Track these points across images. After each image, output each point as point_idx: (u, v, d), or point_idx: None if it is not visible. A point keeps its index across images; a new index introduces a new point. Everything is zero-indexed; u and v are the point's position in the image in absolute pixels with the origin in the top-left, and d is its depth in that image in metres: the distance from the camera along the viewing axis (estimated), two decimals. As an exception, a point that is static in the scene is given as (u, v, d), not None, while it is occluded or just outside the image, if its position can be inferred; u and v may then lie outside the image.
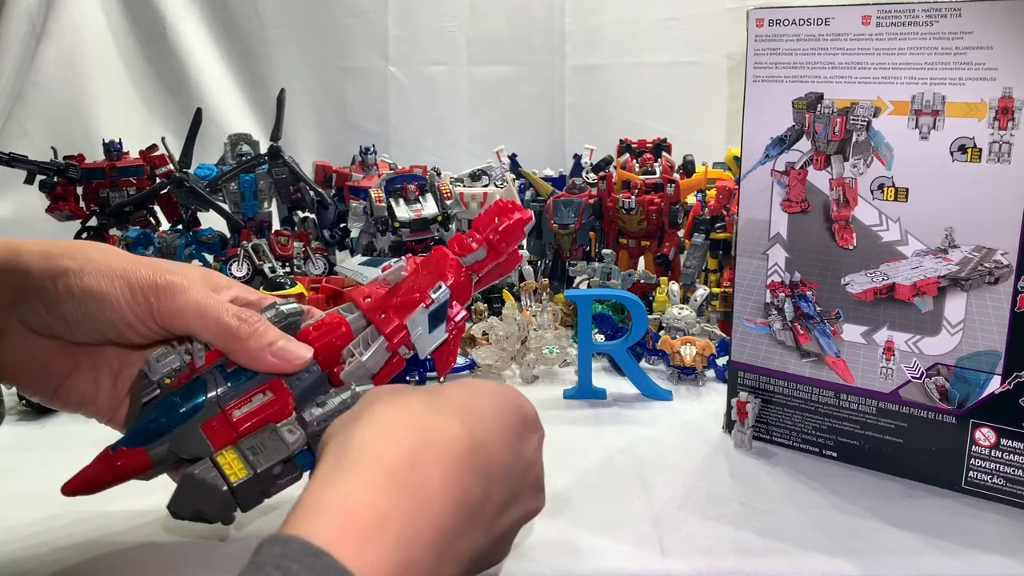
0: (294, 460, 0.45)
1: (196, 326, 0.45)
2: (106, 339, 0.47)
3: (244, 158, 1.11)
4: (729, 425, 0.69)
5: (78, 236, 1.10)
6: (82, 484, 0.45)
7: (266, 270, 1.01)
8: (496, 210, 0.52)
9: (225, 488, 0.43)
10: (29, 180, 1.07)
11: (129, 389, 0.49)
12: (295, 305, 0.49)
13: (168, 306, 0.45)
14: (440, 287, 0.49)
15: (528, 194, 1.14)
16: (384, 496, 0.33)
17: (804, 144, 0.62)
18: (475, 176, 1.15)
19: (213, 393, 0.45)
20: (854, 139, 0.59)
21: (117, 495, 0.61)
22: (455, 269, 0.50)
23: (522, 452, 0.42)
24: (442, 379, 0.56)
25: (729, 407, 0.69)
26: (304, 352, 0.46)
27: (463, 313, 0.51)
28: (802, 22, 0.60)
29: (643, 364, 0.82)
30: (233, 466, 0.43)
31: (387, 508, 0.33)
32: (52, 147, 1.09)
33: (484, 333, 0.85)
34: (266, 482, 0.44)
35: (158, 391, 0.47)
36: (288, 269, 1.04)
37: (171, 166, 1.07)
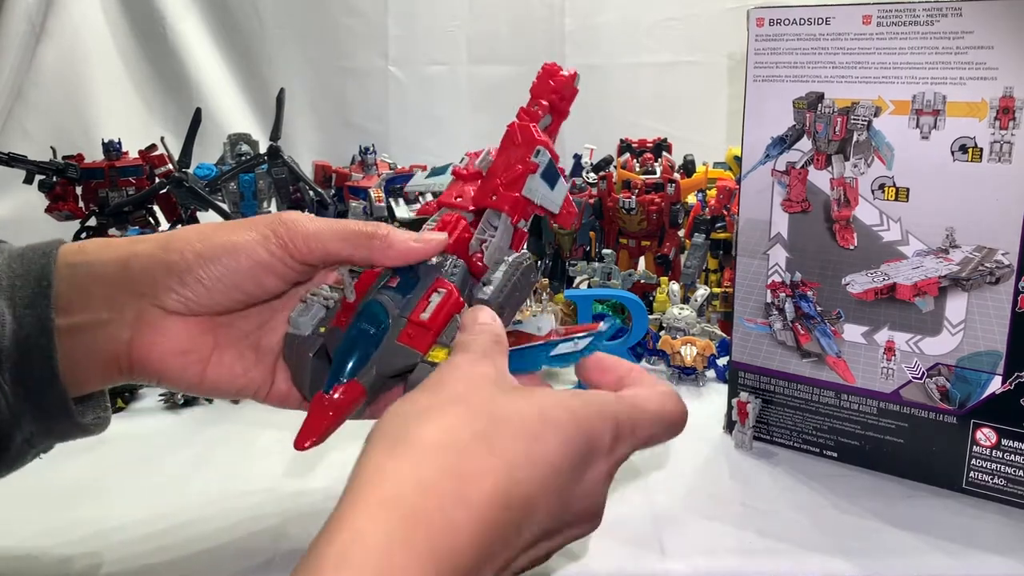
0: None
1: (334, 244, 0.46)
2: (245, 295, 0.47)
3: (243, 158, 1.11)
4: (730, 425, 0.69)
5: (77, 236, 1.10)
6: (311, 433, 0.43)
7: (266, 270, 1.01)
8: (546, 74, 0.54)
9: None
10: (28, 180, 1.07)
11: (283, 357, 0.49)
12: None
13: (302, 234, 0.46)
14: (539, 150, 0.50)
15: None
16: (402, 549, 0.31)
17: (805, 144, 0.62)
18: (475, 176, 1.15)
19: (393, 308, 0.45)
20: (855, 139, 0.59)
21: (117, 497, 0.61)
22: (539, 135, 0.51)
23: (572, 495, 0.39)
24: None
25: (729, 407, 0.69)
26: (439, 235, 0.48)
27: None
28: (802, 22, 0.60)
29: (643, 364, 0.82)
30: (442, 356, 0.43)
31: (405, 563, 0.30)
32: (51, 147, 1.09)
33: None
34: None
35: (320, 341, 0.47)
36: (288, 269, 1.04)
37: (170, 166, 1.07)
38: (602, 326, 0.48)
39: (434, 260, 0.48)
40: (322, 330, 0.47)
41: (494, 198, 0.50)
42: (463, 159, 0.55)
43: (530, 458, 0.36)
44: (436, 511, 0.32)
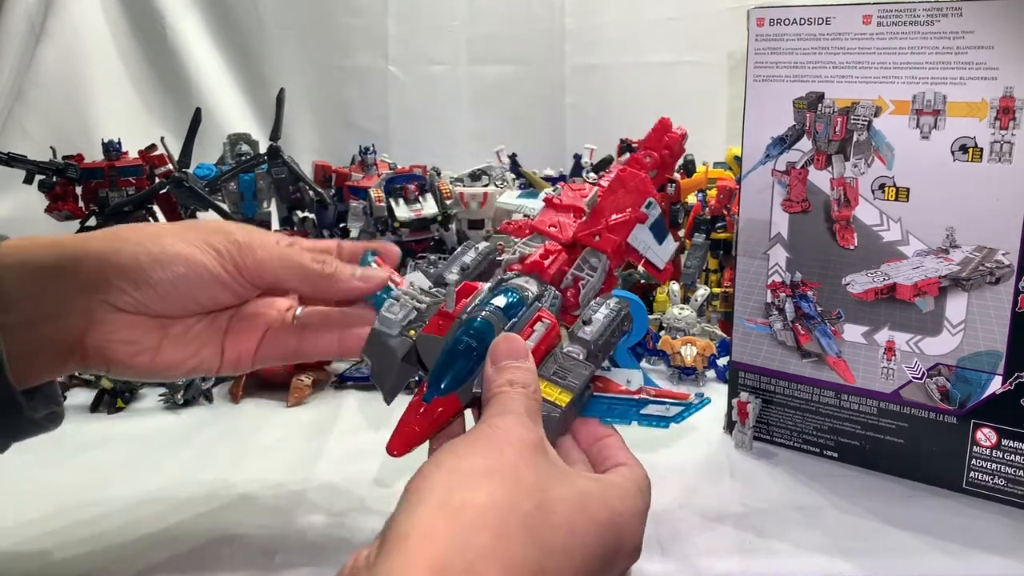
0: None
1: (283, 274, 0.48)
2: (197, 305, 0.48)
3: (243, 158, 1.10)
4: (730, 425, 0.69)
5: (77, 236, 1.10)
6: (408, 442, 0.42)
7: (266, 270, 1.01)
8: (661, 127, 0.55)
9: (558, 412, 0.43)
10: (28, 180, 1.06)
11: (364, 351, 0.49)
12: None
13: (253, 260, 0.47)
14: (651, 202, 0.51)
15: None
16: None
17: (805, 144, 0.62)
18: (475, 176, 1.15)
19: (498, 322, 0.45)
20: (855, 139, 0.59)
21: (117, 497, 0.61)
22: (652, 188, 0.52)
23: None
24: None
25: (730, 407, 0.69)
26: (381, 272, 0.50)
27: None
28: (803, 21, 0.60)
29: (643, 364, 0.82)
30: (552, 392, 0.43)
31: None
32: (51, 147, 1.09)
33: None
34: (580, 402, 0.45)
35: (409, 344, 0.46)
36: (288, 269, 1.04)
37: (170, 166, 1.06)
38: (694, 398, 0.48)
39: (535, 288, 0.48)
40: (411, 333, 0.47)
41: (597, 239, 0.50)
42: (556, 188, 0.55)
43: (567, 550, 0.36)
44: None
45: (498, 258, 0.52)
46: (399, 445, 0.42)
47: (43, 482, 0.63)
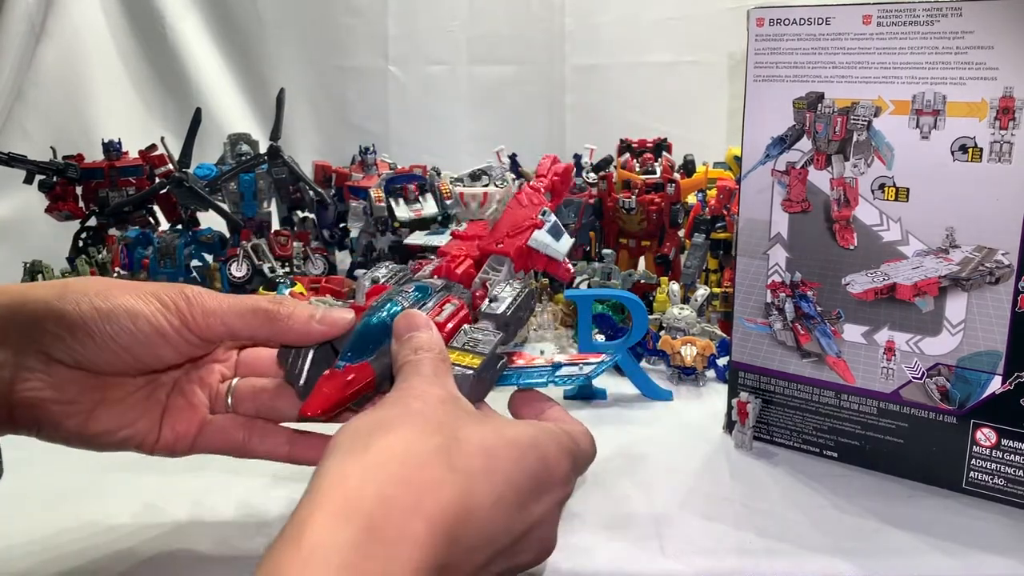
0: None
1: (234, 321, 0.46)
2: (136, 361, 0.45)
3: (243, 158, 1.11)
4: (730, 425, 0.69)
5: (77, 236, 1.10)
6: (321, 402, 0.44)
7: (265, 270, 1.01)
8: (550, 160, 0.63)
9: (471, 372, 0.44)
10: (28, 180, 1.07)
11: (277, 357, 0.49)
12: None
13: (201, 310, 0.45)
14: (545, 211, 0.57)
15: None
16: (361, 561, 0.31)
17: (805, 144, 0.62)
18: (475, 176, 1.15)
19: (408, 304, 0.48)
20: (855, 139, 0.59)
21: (117, 497, 0.61)
22: (546, 201, 0.59)
23: (528, 515, 0.39)
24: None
25: (729, 407, 0.69)
26: (347, 313, 0.48)
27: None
28: (802, 21, 0.60)
29: (643, 364, 0.82)
30: (463, 359, 0.45)
31: (352, 562, 0.31)
32: (51, 147, 1.09)
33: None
34: (493, 368, 0.47)
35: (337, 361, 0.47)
36: (288, 269, 1.04)
37: (170, 166, 1.07)
38: (605, 357, 0.51)
39: (441, 283, 0.51)
40: None
41: (499, 245, 0.55)
42: (462, 225, 0.62)
43: (488, 473, 0.36)
44: (395, 523, 0.32)
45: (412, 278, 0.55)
46: (311, 406, 0.43)
47: (43, 482, 0.63)
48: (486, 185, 1.11)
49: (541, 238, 0.56)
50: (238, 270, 1.01)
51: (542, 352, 0.52)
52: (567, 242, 0.58)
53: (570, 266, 0.60)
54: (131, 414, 0.48)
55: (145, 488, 0.63)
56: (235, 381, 0.51)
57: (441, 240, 0.64)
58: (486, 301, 0.51)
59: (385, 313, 0.47)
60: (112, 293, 0.44)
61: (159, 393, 0.49)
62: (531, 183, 0.61)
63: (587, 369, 0.49)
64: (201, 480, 0.64)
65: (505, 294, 0.51)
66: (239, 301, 0.46)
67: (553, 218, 0.58)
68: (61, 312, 0.43)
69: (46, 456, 0.65)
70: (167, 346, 0.45)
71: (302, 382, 0.47)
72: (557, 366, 0.49)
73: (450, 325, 0.48)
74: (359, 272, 0.51)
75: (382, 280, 0.52)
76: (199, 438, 0.50)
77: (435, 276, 0.53)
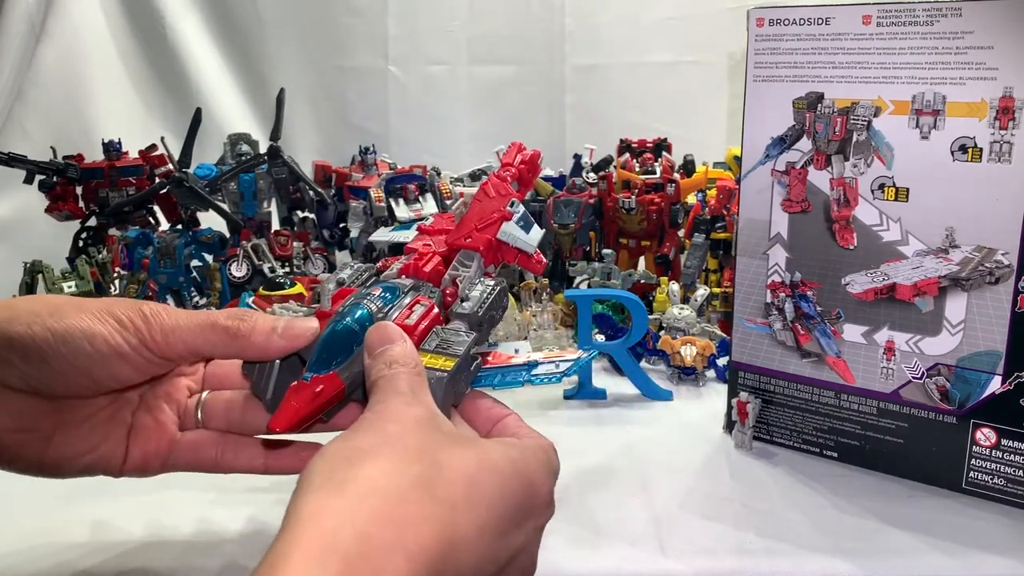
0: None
1: (194, 339, 0.44)
2: (93, 383, 0.43)
3: (243, 158, 1.11)
4: (729, 425, 0.69)
5: (77, 236, 1.10)
6: (289, 416, 0.42)
7: (265, 270, 1.01)
8: (515, 148, 0.60)
9: (445, 375, 0.43)
10: (28, 180, 1.07)
11: (242, 369, 0.47)
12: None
13: (160, 327, 0.43)
14: (513, 202, 0.55)
15: (528, 194, 1.14)
16: None
17: (804, 144, 0.62)
18: (475, 176, 1.15)
19: (376, 308, 0.46)
20: (855, 139, 0.59)
21: (117, 497, 0.61)
22: (513, 191, 0.56)
23: (511, 542, 0.37)
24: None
25: (729, 407, 0.69)
26: (311, 323, 0.46)
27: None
28: (802, 22, 0.60)
29: (643, 364, 0.82)
30: (436, 361, 0.44)
31: None
32: (51, 147, 1.09)
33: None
34: (467, 369, 0.46)
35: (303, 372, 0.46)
36: (288, 269, 1.04)
37: (170, 166, 1.07)
38: (583, 354, 0.50)
39: (409, 283, 0.50)
40: None
41: (468, 240, 0.53)
42: (429, 219, 0.59)
43: (471, 503, 0.35)
44: (376, 562, 0.31)
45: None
46: (279, 421, 0.42)
47: (43, 482, 0.63)
48: (486, 185, 1.11)
49: (510, 230, 0.54)
50: (238, 270, 1.01)
51: (516, 351, 0.51)
52: (537, 233, 0.56)
53: (542, 258, 0.58)
54: (93, 437, 0.46)
55: (145, 486, 0.63)
56: (204, 395, 0.50)
57: (407, 236, 0.62)
58: (457, 301, 0.49)
59: (351, 319, 0.45)
60: (65, 312, 0.42)
61: (123, 412, 0.47)
62: (497, 172, 0.58)
63: (563, 367, 0.48)
64: (200, 478, 0.64)
65: (476, 292, 0.50)
66: (198, 317, 0.44)
67: (522, 209, 0.55)
68: (10, 336, 0.41)
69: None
70: (126, 366, 0.43)
71: (269, 395, 0.46)
72: (533, 364, 0.48)
73: (421, 327, 0.46)
74: (323, 276, 0.49)
75: (347, 282, 0.51)
76: (170, 457, 0.48)
77: (402, 275, 0.51)
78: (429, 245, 0.54)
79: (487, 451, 0.38)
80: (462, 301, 0.49)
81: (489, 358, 0.49)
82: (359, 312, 0.45)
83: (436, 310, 0.48)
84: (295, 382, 0.43)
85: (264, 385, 0.46)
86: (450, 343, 0.46)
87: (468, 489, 0.35)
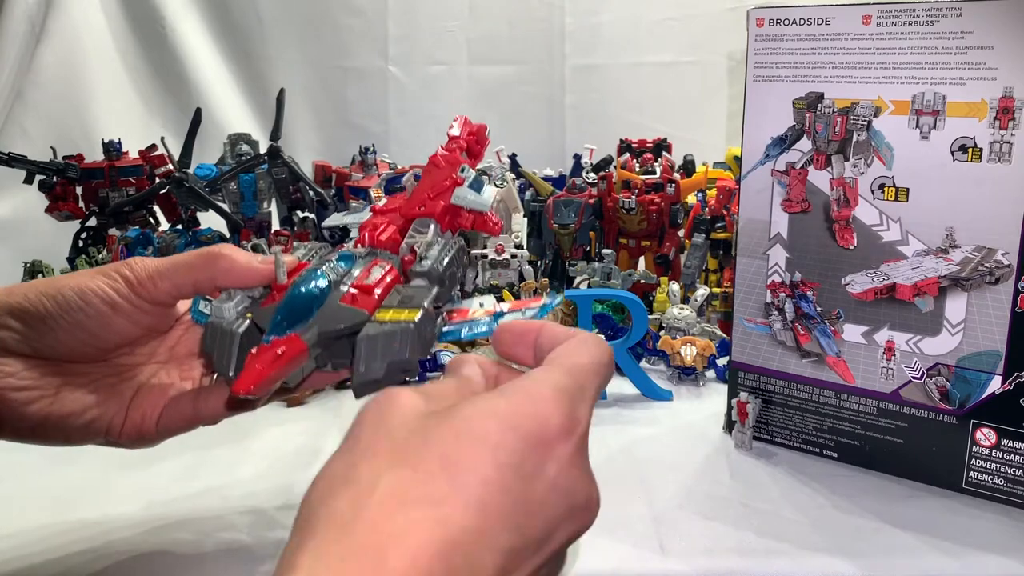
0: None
1: (178, 275, 0.46)
2: (93, 338, 0.46)
3: (243, 158, 1.11)
4: (729, 425, 0.69)
5: (77, 236, 1.10)
6: (252, 379, 0.42)
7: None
8: (462, 121, 0.60)
9: (411, 325, 0.43)
10: (28, 180, 1.07)
11: (201, 348, 0.48)
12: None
13: (144, 271, 0.46)
14: (464, 168, 0.55)
15: (528, 194, 1.14)
16: None
17: (804, 144, 0.62)
18: (475, 176, 1.15)
19: (335, 276, 0.47)
20: (855, 139, 0.59)
21: (117, 497, 0.61)
22: (462, 158, 0.56)
23: (537, 490, 0.33)
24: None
25: (729, 407, 0.69)
26: (287, 257, 0.48)
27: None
28: (802, 22, 0.60)
29: (643, 364, 0.82)
30: (400, 315, 0.44)
31: None
32: (51, 147, 1.09)
33: (484, 333, 0.85)
34: (432, 322, 0.46)
35: (247, 322, 0.46)
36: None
37: (170, 166, 1.07)
38: (546, 299, 0.50)
39: (365, 250, 0.50)
40: (248, 316, 0.47)
41: (422, 208, 0.53)
42: (383, 200, 0.59)
43: (456, 487, 0.30)
44: None
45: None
46: (243, 383, 0.42)
47: (43, 482, 0.63)
48: (486, 185, 1.11)
49: (462, 193, 0.54)
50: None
51: (481, 305, 0.51)
52: (490, 192, 0.56)
53: (498, 219, 0.57)
54: (98, 395, 0.47)
55: (145, 486, 0.63)
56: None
57: (361, 218, 0.62)
58: (416, 261, 0.49)
59: (311, 284, 0.45)
60: (57, 280, 0.45)
61: (131, 381, 0.49)
62: (445, 145, 0.58)
63: (529, 313, 0.48)
64: (202, 476, 0.64)
65: (434, 250, 0.50)
66: (178, 256, 0.48)
67: (472, 172, 0.55)
68: (9, 304, 0.44)
69: (44, 457, 0.66)
70: (119, 318, 0.46)
71: (231, 371, 0.46)
72: (499, 315, 0.48)
73: (378, 291, 0.46)
74: (274, 249, 0.49)
75: (303, 259, 0.51)
76: (161, 420, 0.49)
77: (358, 247, 0.51)
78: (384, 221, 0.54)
79: (470, 420, 0.33)
80: (421, 259, 0.49)
81: (454, 314, 0.49)
82: (318, 277, 0.46)
83: (395, 272, 0.48)
84: (259, 345, 0.43)
85: (226, 362, 0.46)
86: (412, 297, 0.46)
87: (452, 477, 0.30)
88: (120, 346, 0.48)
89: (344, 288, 0.46)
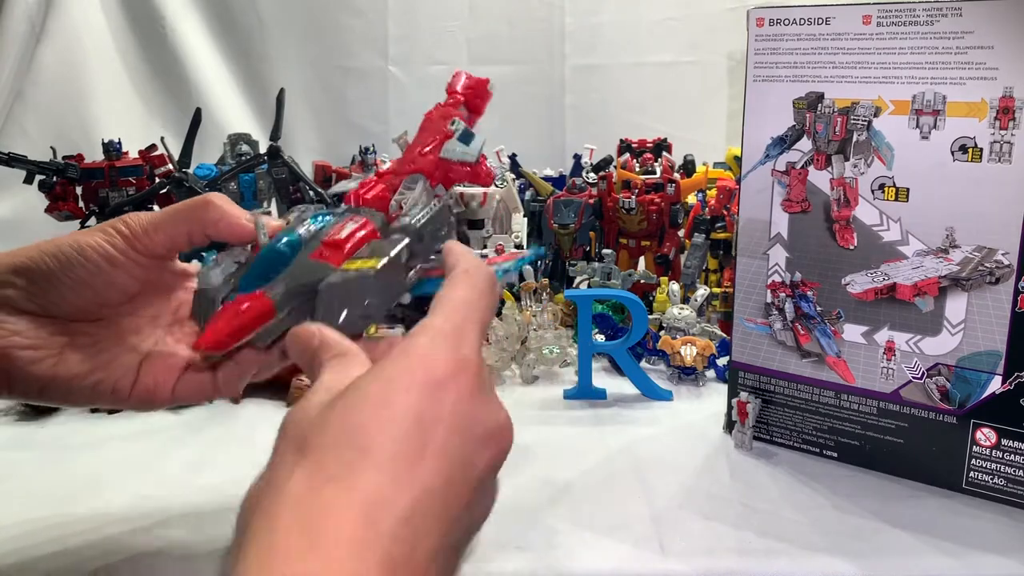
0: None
1: (172, 225, 0.47)
2: (93, 294, 0.46)
3: (243, 158, 1.11)
4: (729, 425, 0.69)
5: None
6: (213, 337, 0.42)
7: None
8: (460, 75, 0.60)
9: (373, 274, 0.42)
10: (28, 180, 1.06)
11: (191, 314, 0.48)
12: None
13: (139, 225, 0.47)
14: (455, 120, 0.55)
15: (528, 194, 1.14)
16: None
17: (805, 144, 0.62)
18: (475, 176, 1.15)
19: (305, 231, 0.46)
20: (855, 139, 0.59)
21: (117, 497, 0.61)
22: (451, 112, 0.56)
23: (438, 433, 0.33)
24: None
25: (729, 407, 0.69)
26: (275, 220, 0.49)
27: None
28: (802, 22, 0.60)
29: (643, 364, 0.82)
30: (365, 264, 0.43)
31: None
32: (51, 147, 1.09)
33: (484, 333, 0.85)
34: (401, 272, 0.44)
35: (231, 287, 0.46)
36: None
37: (170, 166, 1.07)
38: (526, 253, 0.50)
39: (344, 208, 0.49)
40: (232, 280, 0.47)
41: (412, 165, 0.53)
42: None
43: (360, 454, 0.31)
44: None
45: None
46: (204, 340, 0.42)
47: (43, 481, 0.63)
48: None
49: (451, 146, 0.54)
50: (238, 270, 1.01)
51: None
52: (479, 141, 0.55)
53: (490, 169, 0.56)
54: (104, 356, 0.48)
55: (147, 486, 0.63)
56: None
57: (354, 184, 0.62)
58: (398, 216, 0.48)
59: (280, 243, 0.45)
60: (57, 239, 0.46)
61: (135, 338, 0.49)
62: (442, 104, 0.57)
63: (506, 265, 0.49)
64: (203, 476, 0.64)
65: (417, 208, 0.48)
66: (171, 206, 0.48)
67: (462, 125, 0.55)
68: (13, 263, 0.45)
69: (46, 456, 0.66)
70: (118, 272, 0.46)
71: None
72: None
73: (348, 246, 0.45)
74: (255, 211, 0.49)
75: (292, 222, 0.50)
76: (176, 389, 0.49)
77: (341, 206, 0.51)
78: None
79: (355, 389, 0.34)
80: (402, 215, 0.48)
81: (432, 272, 0.47)
82: (288, 236, 0.46)
83: (371, 226, 0.47)
84: (225, 303, 0.43)
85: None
86: (382, 247, 0.45)
87: (352, 444, 0.32)
88: (121, 302, 0.49)
89: (316, 242, 0.45)
